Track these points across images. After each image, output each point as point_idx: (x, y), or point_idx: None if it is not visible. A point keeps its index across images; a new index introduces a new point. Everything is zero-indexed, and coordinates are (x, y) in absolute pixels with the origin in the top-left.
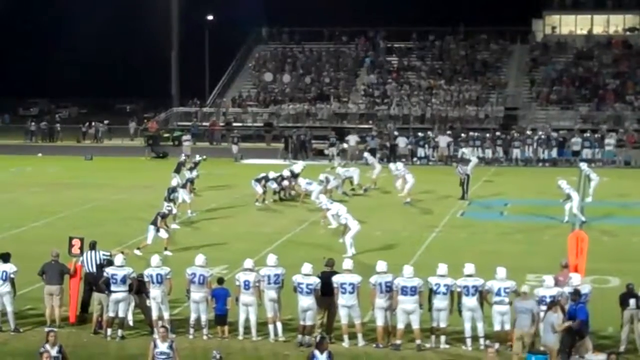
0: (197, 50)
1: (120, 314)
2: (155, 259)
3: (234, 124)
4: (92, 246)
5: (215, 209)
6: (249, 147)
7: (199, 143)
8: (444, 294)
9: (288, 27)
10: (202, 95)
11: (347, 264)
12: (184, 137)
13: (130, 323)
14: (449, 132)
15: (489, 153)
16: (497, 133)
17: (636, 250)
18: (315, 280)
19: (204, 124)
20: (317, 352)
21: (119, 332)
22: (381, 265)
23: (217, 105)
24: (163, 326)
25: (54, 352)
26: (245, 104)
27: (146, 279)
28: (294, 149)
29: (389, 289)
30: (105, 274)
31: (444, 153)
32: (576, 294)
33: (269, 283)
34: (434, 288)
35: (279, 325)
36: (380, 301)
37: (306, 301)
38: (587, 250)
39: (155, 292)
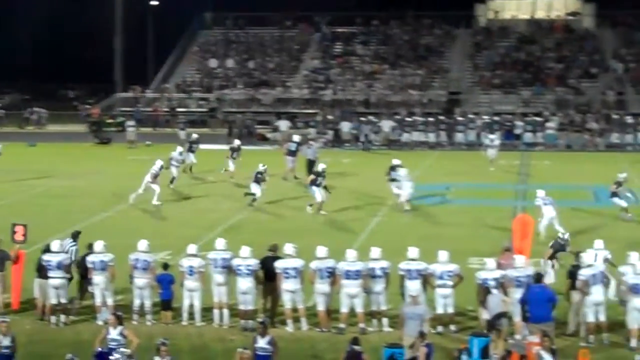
0: (140, 35)
1: (62, 300)
2: (99, 245)
3: (178, 109)
4: (75, 236)
5: (160, 194)
6: (193, 132)
7: (142, 128)
8: (380, 277)
9: (232, 12)
10: (146, 81)
11: (289, 248)
12: (128, 123)
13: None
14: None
15: (432, 137)
16: (441, 117)
17: (575, 233)
18: (255, 262)
19: (148, 109)
20: (258, 337)
21: (62, 317)
22: (321, 251)
23: (161, 91)
24: (114, 313)
25: (6, 341)
26: (190, 89)
27: (89, 266)
28: (238, 134)
29: (329, 274)
30: (40, 261)
31: (387, 137)
32: (538, 276)
33: (216, 267)
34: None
35: (226, 311)
36: (322, 286)
37: (245, 283)
38: (532, 233)
39: (98, 279)
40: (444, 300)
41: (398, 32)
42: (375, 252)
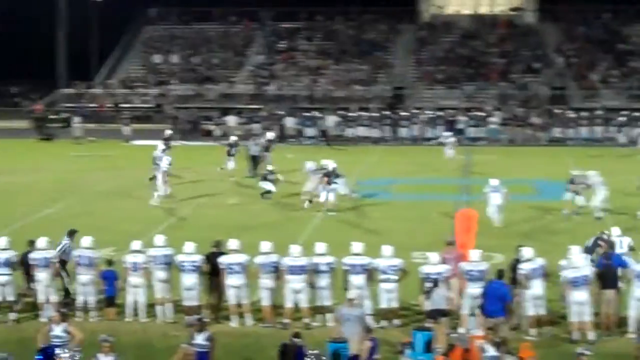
0: (84, 31)
1: (8, 298)
2: (41, 242)
3: (123, 105)
4: (71, 233)
5: (104, 190)
6: (138, 127)
7: (86, 124)
8: (325, 272)
9: (176, 7)
10: (90, 77)
11: (234, 243)
12: (75, 119)
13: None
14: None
15: (376, 132)
16: (385, 112)
17: (518, 227)
18: (199, 257)
19: (92, 105)
20: (195, 334)
21: (11, 315)
22: (265, 246)
23: (105, 87)
24: (58, 310)
25: None
26: (134, 84)
27: (32, 262)
28: (183, 130)
29: (274, 269)
30: None
31: (331, 132)
32: (500, 272)
33: (158, 264)
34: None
35: (169, 306)
36: (266, 281)
37: (189, 279)
38: (475, 227)
39: (41, 276)
40: (388, 295)
41: (342, 27)
42: (320, 247)
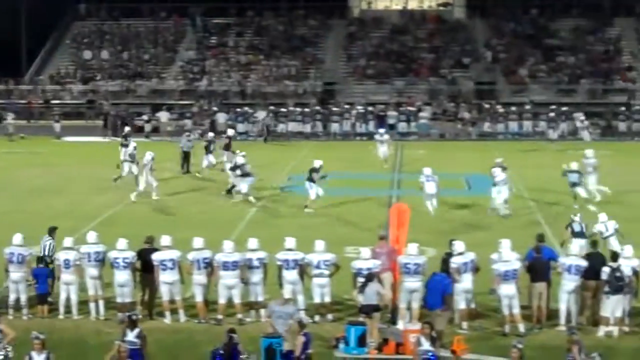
0: (13, 26)
1: None
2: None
3: (53, 101)
4: (51, 231)
5: (35, 187)
6: (69, 124)
7: (17, 121)
8: (257, 267)
9: (106, 3)
10: (19, 73)
11: (166, 240)
12: (9, 115)
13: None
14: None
15: (308, 128)
16: (316, 108)
17: (450, 221)
18: (131, 254)
19: (22, 101)
20: (127, 330)
21: None
22: (198, 242)
23: (35, 83)
24: None
25: None
26: (64, 81)
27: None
28: (113, 126)
29: (206, 265)
30: None
31: (263, 128)
32: (445, 265)
33: (90, 261)
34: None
35: (101, 303)
36: (199, 277)
37: (122, 276)
38: (408, 222)
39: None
40: (321, 290)
41: (272, 23)
42: (253, 242)
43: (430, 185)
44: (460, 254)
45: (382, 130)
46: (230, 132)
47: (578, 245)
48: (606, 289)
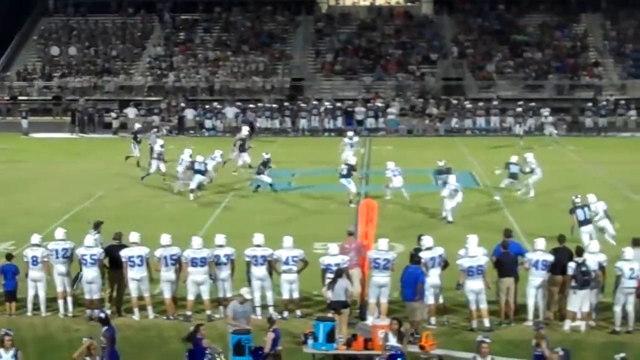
0: None
1: None
2: None
3: (20, 98)
4: (97, 225)
5: (2, 183)
6: (36, 120)
7: None
8: (225, 264)
9: None
10: None
11: (134, 236)
12: None
13: None
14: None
15: (276, 123)
16: (285, 104)
17: (418, 216)
18: (99, 251)
19: None
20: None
21: None
22: (165, 238)
23: (1, 79)
24: None
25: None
26: (31, 77)
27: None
28: (81, 122)
29: (174, 261)
30: None
31: (231, 124)
32: (417, 258)
33: (58, 257)
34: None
35: (70, 300)
36: (167, 274)
37: (90, 273)
38: (376, 218)
39: None
40: (290, 286)
41: (240, 19)
42: (220, 238)
43: (398, 179)
44: (429, 248)
45: (350, 134)
46: (245, 130)
47: (587, 233)
48: (573, 283)
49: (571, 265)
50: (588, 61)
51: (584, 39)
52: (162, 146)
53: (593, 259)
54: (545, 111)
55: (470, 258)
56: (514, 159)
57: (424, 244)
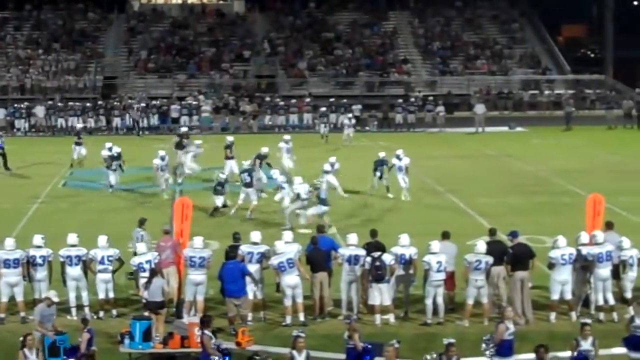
0: None
1: None
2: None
3: None
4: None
5: None
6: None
7: None
8: (41, 265)
9: None
10: None
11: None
12: None
13: None
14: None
15: (91, 122)
16: (99, 102)
17: (234, 214)
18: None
19: None
20: None
21: None
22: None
23: None
24: None
25: None
26: None
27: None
28: None
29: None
30: None
31: (41, 123)
32: (233, 253)
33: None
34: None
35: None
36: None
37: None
38: (191, 216)
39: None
40: (106, 285)
41: (51, 16)
42: (37, 239)
43: (331, 177)
44: (255, 243)
45: (287, 137)
46: (184, 129)
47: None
48: (370, 278)
49: (367, 260)
50: (397, 58)
51: (392, 37)
52: (198, 146)
53: (406, 252)
54: (357, 108)
55: (279, 255)
56: (381, 154)
57: (251, 239)
